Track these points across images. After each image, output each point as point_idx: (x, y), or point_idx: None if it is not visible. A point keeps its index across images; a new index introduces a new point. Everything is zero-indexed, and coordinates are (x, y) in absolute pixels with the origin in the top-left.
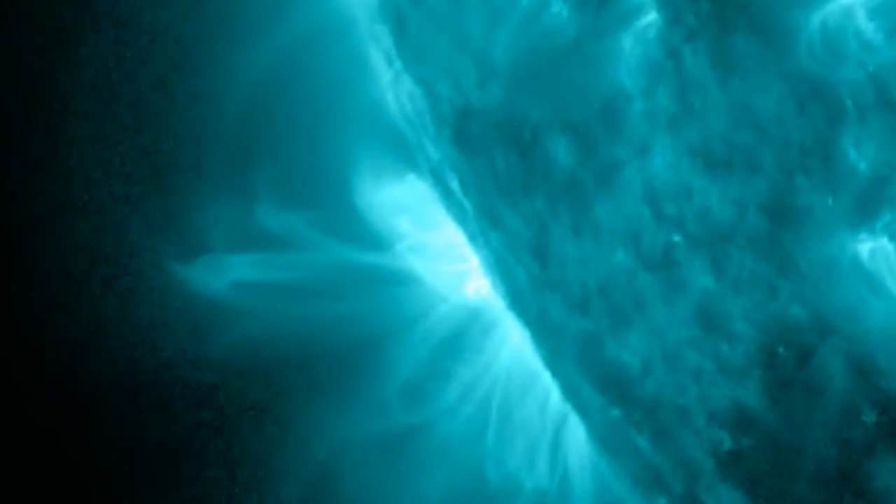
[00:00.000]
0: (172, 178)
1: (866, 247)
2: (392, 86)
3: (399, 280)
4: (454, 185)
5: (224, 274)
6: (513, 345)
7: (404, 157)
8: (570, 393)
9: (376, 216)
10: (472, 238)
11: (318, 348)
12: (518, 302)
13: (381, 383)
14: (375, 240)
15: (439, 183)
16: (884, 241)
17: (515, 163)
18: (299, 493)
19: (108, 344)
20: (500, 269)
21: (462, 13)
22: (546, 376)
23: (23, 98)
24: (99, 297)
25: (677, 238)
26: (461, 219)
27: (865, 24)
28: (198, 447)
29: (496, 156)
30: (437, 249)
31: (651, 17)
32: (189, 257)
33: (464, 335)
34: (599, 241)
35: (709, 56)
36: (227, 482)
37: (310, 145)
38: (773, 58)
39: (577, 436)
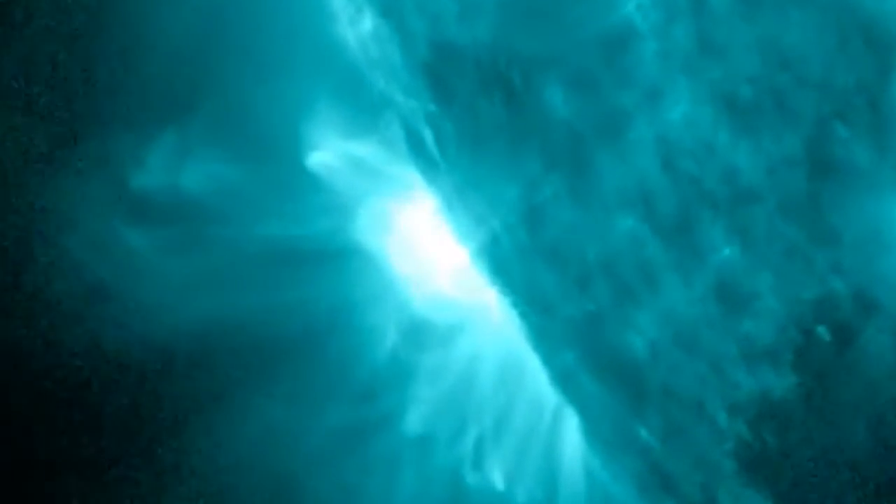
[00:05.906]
0: (92, 136)
1: None
2: (353, 23)
3: (362, 253)
4: (428, 138)
5: (156, 245)
6: (495, 326)
7: (367, 106)
8: (563, 382)
9: (334, 178)
10: (449, 202)
11: (271, 336)
12: (502, 276)
13: (343, 373)
14: (334, 207)
15: (410, 137)
16: None
17: (502, 112)
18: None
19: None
20: (482, 238)
21: None
22: (535, 363)
23: None
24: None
25: (695, 200)
26: (435, 179)
27: None
28: (139, 455)
29: (480, 104)
30: (407, 216)
31: None
32: (122, 224)
33: (438, 315)
34: (602, 204)
35: None
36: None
37: (254, 95)
38: None
39: (571, 432)
